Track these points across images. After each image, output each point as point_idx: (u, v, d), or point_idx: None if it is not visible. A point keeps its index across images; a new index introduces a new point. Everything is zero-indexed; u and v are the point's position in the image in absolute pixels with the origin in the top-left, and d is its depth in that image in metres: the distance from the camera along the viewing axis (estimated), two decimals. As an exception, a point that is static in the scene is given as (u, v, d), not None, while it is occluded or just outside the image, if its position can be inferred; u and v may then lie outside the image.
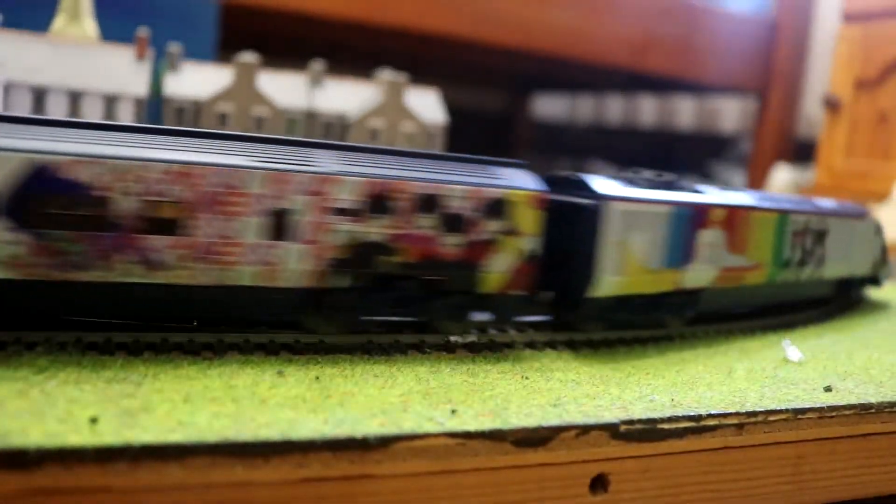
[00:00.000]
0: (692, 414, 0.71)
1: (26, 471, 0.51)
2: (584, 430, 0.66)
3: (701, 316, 1.05)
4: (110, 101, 1.44)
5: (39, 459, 0.51)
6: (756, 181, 3.96)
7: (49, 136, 0.70)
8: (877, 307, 1.39)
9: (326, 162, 0.79)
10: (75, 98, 1.40)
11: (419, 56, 3.66)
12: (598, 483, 0.67)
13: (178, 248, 0.72)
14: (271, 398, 0.63)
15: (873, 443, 0.81)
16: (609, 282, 0.88)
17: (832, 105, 3.17)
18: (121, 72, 1.48)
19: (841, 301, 1.31)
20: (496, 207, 0.83)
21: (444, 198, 0.81)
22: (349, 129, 2.11)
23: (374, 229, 0.78)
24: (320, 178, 0.76)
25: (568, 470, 0.66)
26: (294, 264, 0.76)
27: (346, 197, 0.77)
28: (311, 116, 2.08)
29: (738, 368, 0.87)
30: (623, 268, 0.89)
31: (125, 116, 1.44)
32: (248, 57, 1.89)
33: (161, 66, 1.82)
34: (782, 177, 3.57)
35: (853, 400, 0.80)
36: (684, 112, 5.20)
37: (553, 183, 0.91)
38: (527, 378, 0.76)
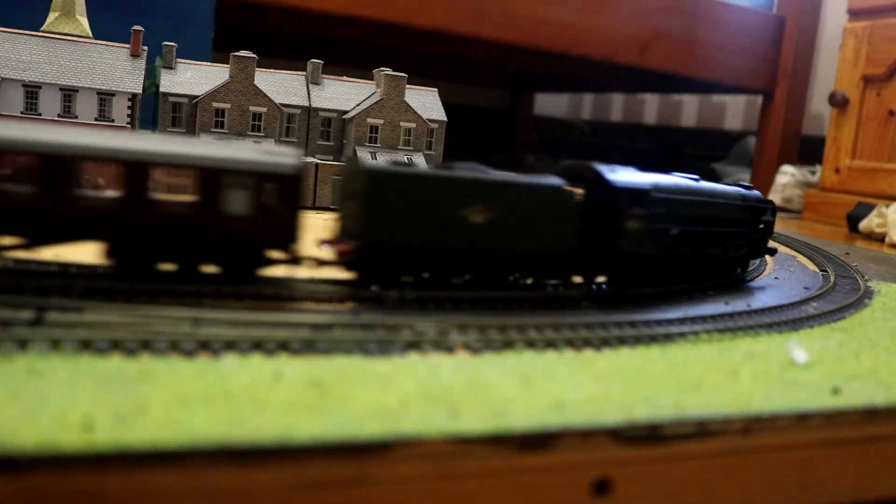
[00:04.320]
0: (697, 417, 0.70)
1: (19, 475, 0.50)
2: (587, 433, 0.65)
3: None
4: (104, 98, 1.43)
5: (32, 463, 0.50)
6: (761, 180, 3.94)
7: None
8: (885, 308, 1.37)
9: None
10: (69, 95, 1.39)
11: (420, 53, 3.64)
12: (601, 487, 0.66)
13: None
14: (269, 400, 0.62)
15: (880, 446, 0.79)
16: None
17: (839, 103, 3.15)
18: (115, 69, 1.47)
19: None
20: None
21: None
22: (348, 126, 2.10)
23: None
24: None
25: (570, 473, 0.65)
26: None
27: None
28: (309, 113, 2.07)
29: (743, 370, 0.86)
30: None
31: (119, 113, 1.43)
32: (245, 53, 1.87)
33: (156, 62, 1.80)
34: (787, 177, 3.54)
35: (860, 403, 0.79)
36: (688, 110, 5.17)
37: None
38: (528, 379, 0.75)
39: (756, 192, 1.48)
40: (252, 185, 0.92)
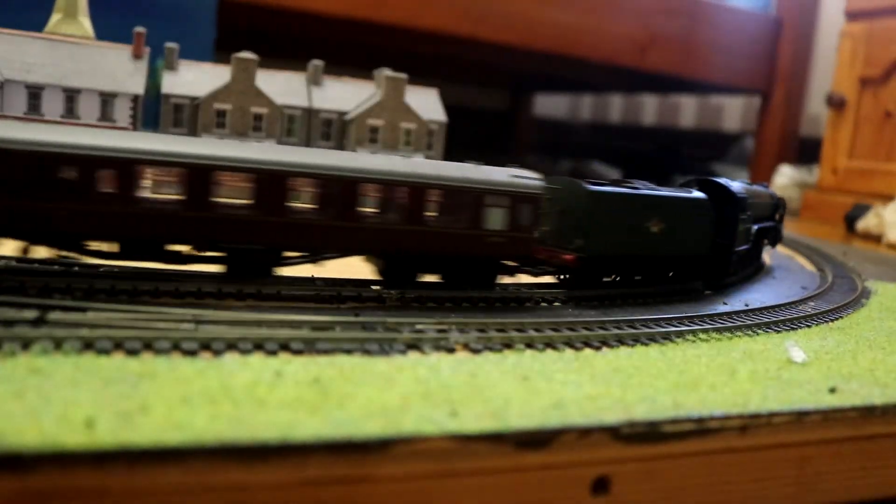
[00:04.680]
0: (695, 415, 0.70)
1: (22, 473, 0.50)
2: (586, 431, 0.65)
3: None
4: (107, 99, 1.43)
5: (35, 461, 0.51)
6: (759, 180, 3.94)
7: None
8: (882, 308, 1.38)
9: None
10: (71, 96, 1.40)
11: (419, 54, 3.64)
12: (600, 485, 0.67)
13: None
14: (270, 399, 0.63)
15: (878, 444, 0.80)
16: None
17: (836, 104, 3.16)
18: (117, 70, 1.48)
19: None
20: None
21: None
22: (349, 126, 2.11)
23: None
24: None
25: (569, 472, 0.65)
26: None
27: None
28: (310, 114, 2.07)
29: (741, 370, 0.87)
30: None
31: (122, 114, 1.44)
32: (247, 54, 1.88)
33: (158, 64, 1.81)
34: (785, 177, 3.55)
35: (858, 401, 0.79)
36: (687, 111, 5.18)
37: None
38: (527, 379, 0.76)
39: (773, 190, 1.78)
40: (508, 204, 1.07)
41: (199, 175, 0.90)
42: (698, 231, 1.31)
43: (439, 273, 1.09)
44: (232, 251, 0.95)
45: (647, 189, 1.25)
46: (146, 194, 0.90)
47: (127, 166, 0.87)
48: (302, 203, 0.96)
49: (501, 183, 1.07)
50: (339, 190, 0.97)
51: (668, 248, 1.27)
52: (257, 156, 0.94)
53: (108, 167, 0.86)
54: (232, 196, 0.93)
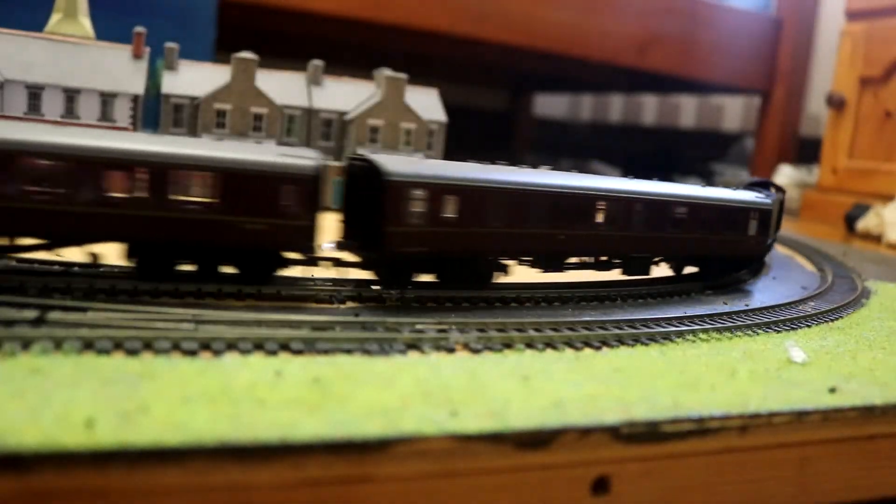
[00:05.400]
0: (695, 415, 0.70)
1: (22, 473, 0.50)
2: (586, 431, 0.65)
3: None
4: (106, 99, 1.43)
5: (35, 461, 0.51)
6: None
7: None
8: (882, 308, 1.38)
9: None
10: (71, 96, 1.39)
11: (419, 54, 3.64)
12: (600, 485, 0.67)
13: None
14: (270, 399, 0.63)
15: (878, 444, 0.80)
16: None
17: (836, 104, 3.16)
18: (117, 70, 1.48)
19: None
20: None
21: None
22: (349, 126, 2.10)
23: None
24: None
25: (569, 472, 0.65)
26: None
27: None
28: (310, 114, 2.07)
29: (741, 369, 0.87)
30: None
31: (122, 114, 1.44)
32: (247, 54, 1.87)
33: (158, 64, 1.80)
34: (785, 177, 3.55)
35: (858, 401, 0.79)
36: (687, 111, 5.18)
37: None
38: (527, 378, 0.76)
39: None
40: (757, 217, 1.45)
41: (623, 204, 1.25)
42: (780, 220, 1.68)
43: (719, 268, 1.45)
44: (629, 259, 1.30)
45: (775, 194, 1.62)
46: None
47: (584, 200, 1.20)
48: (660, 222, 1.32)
49: (754, 202, 1.45)
50: (670, 211, 1.30)
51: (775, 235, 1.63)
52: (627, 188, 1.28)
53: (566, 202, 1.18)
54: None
